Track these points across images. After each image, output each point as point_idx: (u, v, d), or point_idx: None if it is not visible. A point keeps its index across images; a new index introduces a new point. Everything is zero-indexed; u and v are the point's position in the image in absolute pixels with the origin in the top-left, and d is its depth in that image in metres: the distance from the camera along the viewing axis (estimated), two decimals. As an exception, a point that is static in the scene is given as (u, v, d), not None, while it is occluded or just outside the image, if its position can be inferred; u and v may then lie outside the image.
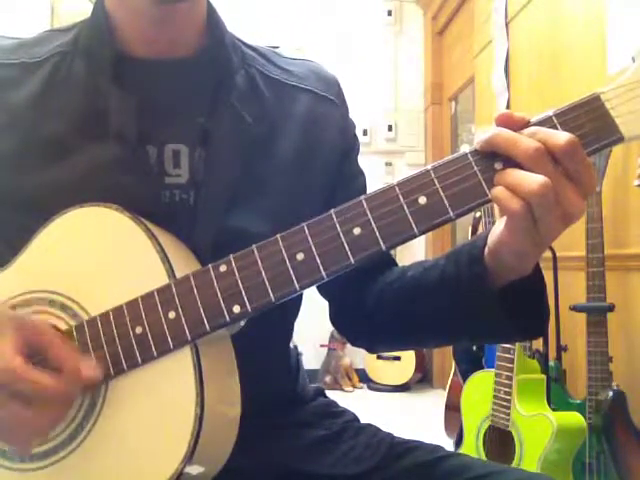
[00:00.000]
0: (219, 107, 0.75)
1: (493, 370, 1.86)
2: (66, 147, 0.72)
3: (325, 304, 0.87)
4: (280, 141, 0.77)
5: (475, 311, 0.66)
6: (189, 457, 0.57)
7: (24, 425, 0.59)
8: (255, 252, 0.59)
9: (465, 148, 0.58)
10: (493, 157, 0.56)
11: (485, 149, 0.56)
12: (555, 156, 0.54)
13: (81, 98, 0.73)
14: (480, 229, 2.40)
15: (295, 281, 0.58)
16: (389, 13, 4.65)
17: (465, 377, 2.07)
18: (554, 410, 1.78)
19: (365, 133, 4.50)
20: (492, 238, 0.62)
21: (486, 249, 0.64)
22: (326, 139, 0.81)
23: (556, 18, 2.50)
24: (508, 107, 2.93)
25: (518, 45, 2.88)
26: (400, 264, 0.83)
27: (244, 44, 0.82)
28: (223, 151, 0.74)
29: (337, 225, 0.57)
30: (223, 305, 0.60)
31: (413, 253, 3.77)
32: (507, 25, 2.97)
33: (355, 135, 0.88)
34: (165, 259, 0.62)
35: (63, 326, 0.65)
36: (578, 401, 1.90)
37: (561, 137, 0.54)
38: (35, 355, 0.60)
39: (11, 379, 0.57)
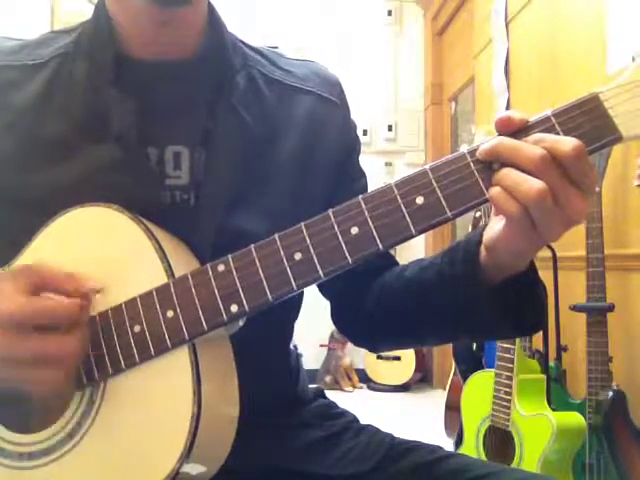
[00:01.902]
0: (220, 108, 0.75)
1: (493, 370, 1.85)
2: (67, 148, 0.72)
3: (325, 304, 0.87)
4: (281, 142, 0.78)
5: (472, 309, 0.66)
6: (186, 456, 0.57)
7: (52, 355, 0.59)
8: (253, 252, 0.60)
9: (464, 148, 0.57)
10: None
11: (487, 159, 0.56)
12: (560, 162, 0.54)
13: (82, 100, 0.73)
14: (480, 229, 2.39)
15: (292, 281, 0.58)
16: (389, 13, 4.66)
17: (465, 377, 2.07)
18: (554, 410, 1.78)
19: (365, 133, 4.50)
20: (488, 236, 0.62)
21: (482, 247, 0.64)
22: (327, 140, 0.81)
23: (556, 18, 2.50)
24: (508, 107, 2.93)
25: (518, 45, 2.88)
26: (400, 263, 0.84)
27: (245, 45, 0.82)
28: (224, 152, 0.74)
29: (335, 225, 0.58)
30: (221, 304, 0.60)
31: (413, 253, 3.76)
32: (507, 25, 2.97)
33: (356, 136, 0.88)
34: (164, 259, 0.63)
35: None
36: (578, 401, 1.90)
37: (567, 143, 0.53)
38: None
39: (22, 316, 0.58)
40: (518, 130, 0.56)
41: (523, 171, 0.54)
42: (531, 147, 0.54)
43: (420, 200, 0.56)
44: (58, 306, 0.60)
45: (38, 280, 0.61)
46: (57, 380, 0.60)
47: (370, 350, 0.90)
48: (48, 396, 0.62)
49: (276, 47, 0.91)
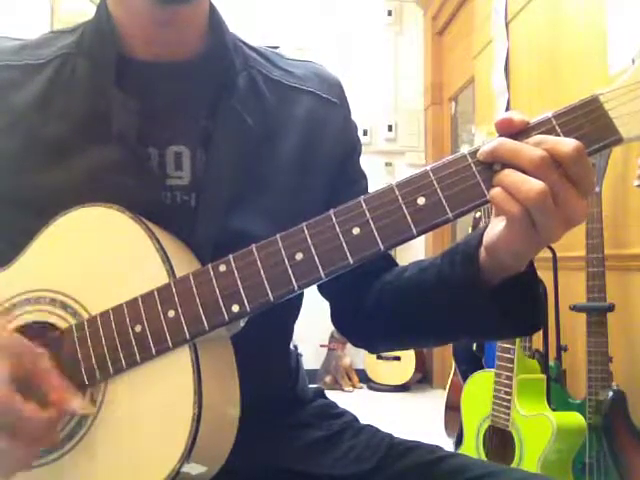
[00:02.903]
0: (221, 109, 0.75)
1: (493, 370, 1.86)
2: (68, 148, 0.72)
3: (325, 304, 0.87)
4: (281, 143, 0.78)
5: (472, 310, 0.66)
6: (187, 456, 0.57)
7: (9, 457, 0.58)
8: (254, 252, 0.60)
9: (465, 148, 0.58)
10: None
11: (489, 160, 0.56)
12: (561, 163, 0.54)
13: (84, 100, 0.73)
14: (480, 229, 2.39)
15: (294, 281, 0.58)
16: (389, 13, 4.66)
17: (465, 377, 2.07)
18: (554, 410, 1.78)
19: (365, 133, 4.50)
20: (489, 237, 0.62)
21: (481, 248, 0.64)
22: (328, 141, 0.81)
23: (556, 18, 2.50)
24: (508, 107, 2.94)
25: (518, 45, 2.89)
26: (400, 264, 0.84)
27: (246, 45, 0.82)
28: (224, 153, 0.74)
29: (336, 225, 0.58)
30: (222, 304, 0.60)
31: (413, 253, 3.76)
32: (507, 25, 2.97)
33: (357, 137, 0.88)
34: (165, 259, 0.63)
35: (63, 324, 0.65)
36: (578, 401, 1.90)
37: (567, 144, 0.54)
38: (23, 382, 0.58)
39: (2, 409, 0.56)
40: (519, 132, 0.56)
41: (524, 172, 0.54)
42: (532, 148, 0.54)
43: (421, 201, 0.56)
44: (31, 420, 0.57)
45: (31, 369, 0.59)
46: (12, 472, 0.59)
47: (369, 351, 0.90)
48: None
49: (277, 47, 0.91)
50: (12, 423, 0.56)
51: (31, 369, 0.59)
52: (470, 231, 2.48)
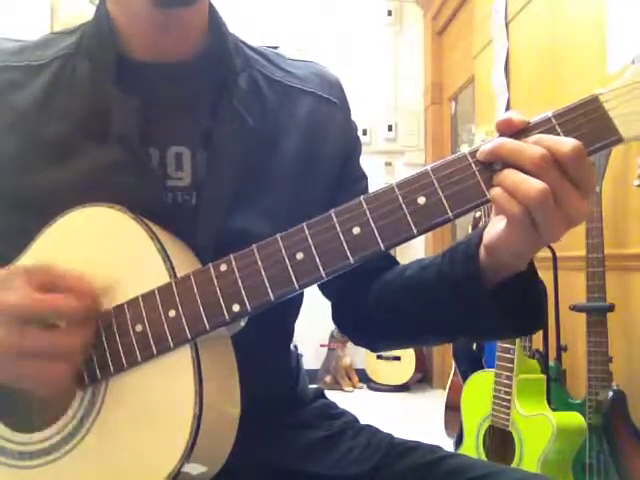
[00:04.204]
0: (221, 109, 0.75)
1: (493, 370, 1.86)
2: (69, 149, 0.72)
3: (325, 304, 0.87)
4: (282, 143, 0.78)
5: (472, 309, 0.66)
6: (187, 456, 0.57)
7: (55, 350, 0.59)
8: (255, 251, 0.60)
9: (465, 148, 0.58)
10: None
11: (489, 160, 0.56)
12: (560, 162, 0.54)
13: (84, 100, 0.73)
14: (480, 229, 2.39)
15: (294, 280, 0.58)
16: (389, 13, 4.66)
17: (465, 377, 2.07)
18: (554, 410, 1.78)
19: (365, 133, 4.50)
20: (489, 236, 0.62)
21: (481, 247, 0.64)
22: (328, 141, 0.81)
23: (556, 18, 2.50)
24: (508, 107, 2.94)
25: (518, 45, 2.89)
26: (401, 263, 0.84)
27: (246, 46, 0.82)
28: (225, 153, 0.74)
29: (337, 225, 0.58)
30: (223, 304, 0.60)
31: (413, 253, 3.76)
32: (507, 25, 2.97)
33: (357, 137, 0.88)
34: (166, 258, 0.63)
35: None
36: (578, 401, 1.90)
37: (567, 143, 0.54)
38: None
39: (30, 309, 0.59)
40: (519, 131, 0.56)
41: (524, 172, 0.54)
42: (532, 147, 0.54)
43: (422, 200, 0.56)
44: (65, 305, 0.60)
45: (49, 278, 0.61)
46: (58, 377, 0.60)
47: (370, 349, 0.90)
48: (48, 393, 0.62)
49: (276, 47, 0.91)
50: (50, 316, 0.59)
51: (46, 275, 0.61)
52: (470, 230, 2.48)
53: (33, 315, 0.59)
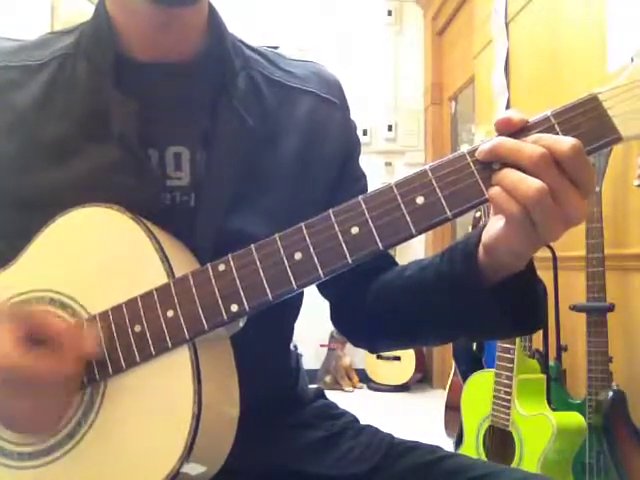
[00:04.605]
0: (221, 110, 0.75)
1: (493, 370, 1.85)
2: (68, 149, 0.72)
3: (325, 304, 0.87)
4: (282, 143, 0.78)
5: (471, 308, 0.66)
6: (186, 456, 0.57)
7: (40, 412, 0.60)
8: (253, 251, 0.60)
9: (465, 148, 0.57)
10: None
11: (488, 159, 0.56)
12: (559, 161, 0.54)
13: (83, 100, 0.73)
14: (480, 229, 2.39)
15: (293, 280, 0.58)
16: (389, 13, 4.66)
17: (465, 377, 2.07)
18: (554, 410, 1.78)
19: (365, 133, 4.50)
20: (488, 236, 0.62)
21: (480, 246, 0.64)
22: (327, 141, 0.81)
23: (556, 18, 2.50)
24: (508, 107, 2.93)
25: (518, 45, 2.89)
26: (400, 264, 0.84)
27: (246, 46, 0.82)
28: (224, 153, 0.74)
29: (335, 225, 0.58)
30: (221, 304, 0.60)
31: (413, 253, 3.77)
32: (507, 25, 2.97)
33: (357, 137, 0.88)
34: (164, 258, 0.63)
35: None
36: (578, 401, 1.90)
37: (566, 142, 0.53)
38: (35, 340, 0.61)
39: (15, 370, 0.59)
40: (518, 130, 0.56)
41: (523, 171, 0.54)
42: (531, 147, 0.54)
43: (420, 200, 0.56)
44: (51, 370, 0.60)
45: (35, 328, 0.61)
46: (47, 426, 0.63)
47: (369, 350, 0.90)
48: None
49: (276, 47, 0.91)
50: (32, 380, 0.59)
51: (36, 325, 0.61)
52: (470, 230, 2.48)
53: (17, 376, 0.59)
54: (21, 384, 0.59)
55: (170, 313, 0.61)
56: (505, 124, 0.56)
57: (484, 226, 0.63)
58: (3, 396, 0.60)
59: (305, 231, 0.58)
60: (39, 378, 0.59)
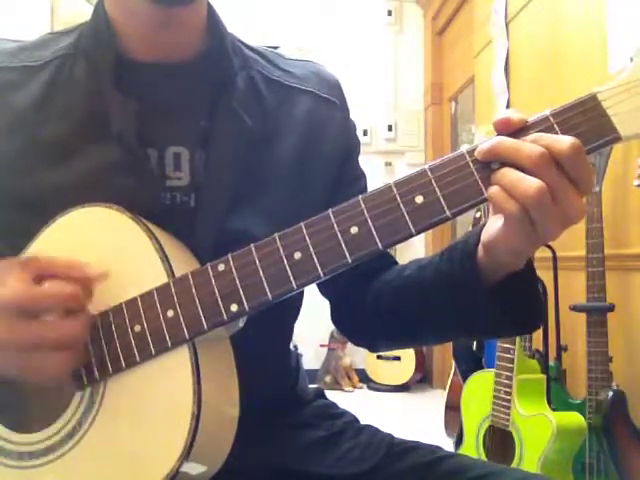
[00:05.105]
0: (220, 109, 0.75)
1: (493, 370, 1.86)
2: (68, 149, 0.72)
3: (325, 304, 0.87)
4: (281, 143, 0.78)
5: (471, 307, 0.66)
6: (186, 455, 0.57)
7: (53, 339, 0.59)
8: (253, 251, 0.60)
9: (464, 148, 0.57)
10: None
11: (487, 159, 0.56)
12: (559, 160, 0.54)
13: (83, 101, 0.73)
14: (480, 229, 2.39)
15: (292, 280, 0.58)
16: (389, 13, 4.66)
17: (465, 377, 2.07)
18: (554, 410, 1.78)
19: (365, 133, 4.50)
20: (487, 235, 0.62)
21: (480, 246, 0.64)
22: (327, 141, 0.81)
23: (556, 18, 2.50)
24: (508, 107, 2.93)
25: (518, 45, 2.89)
26: (400, 263, 0.84)
27: (245, 45, 0.82)
28: (223, 153, 0.74)
29: (334, 224, 0.58)
30: (221, 304, 0.60)
31: (413, 252, 3.77)
32: (507, 25, 2.97)
33: (356, 137, 0.88)
34: (164, 258, 0.63)
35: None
36: (578, 401, 1.90)
37: (565, 142, 0.53)
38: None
39: (23, 301, 0.59)
40: (517, 130, 0.56)
41: (522, 170, 0.54)
42: (530, 146, 0.54)
43: (419, 199, 0.56)
44: (59, 293, 0.60)
45: (40, 269, 0.61)
46: (64, 365, 0.60)
47: (369, 350, 0.90)
48: (54, 382, 0.62)
49: (276, 47, 0.91)
50: (44, 306, 0.59)
51: (42, 267, 0.61)
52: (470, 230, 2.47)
53: (25, 308, 0.59)
54: (31, 315, 0.59)
55: (170, 313, 0.61)
56: (504, 124, 0.56)
57: (483, 225, 0.63)
58: (8, 329, 0.59)
59: (305, 231, 0.58)
60: (52, 303, 0.59)
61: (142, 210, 0.66)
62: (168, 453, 0.58)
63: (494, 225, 0.60)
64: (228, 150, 0.74)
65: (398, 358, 4.17)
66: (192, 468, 0.59)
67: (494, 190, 0.55)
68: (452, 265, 0.67)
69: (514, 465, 1.73)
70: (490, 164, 0.56)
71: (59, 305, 0.60)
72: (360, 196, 0.58)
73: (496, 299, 0.64)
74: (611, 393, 1.76)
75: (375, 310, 0.79)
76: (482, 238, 0.63)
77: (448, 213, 0.56)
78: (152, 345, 0.61)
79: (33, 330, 0.59)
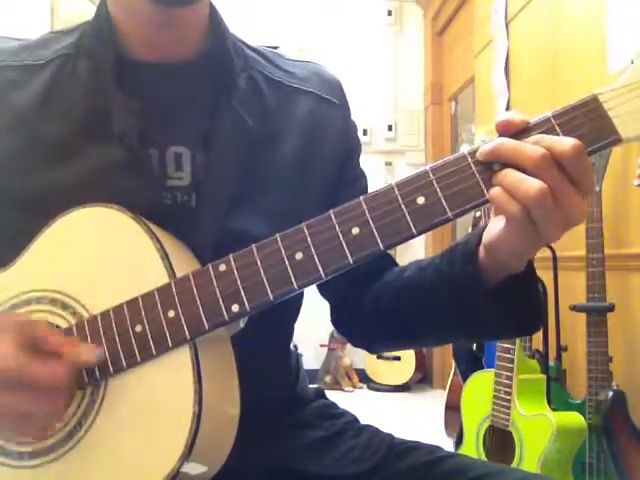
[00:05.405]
0: (221, 110, 0.75)
1: (493, 370, 1.86)
2: (69, 149, 0.72)
3: (325, 304, 0.87)
4: (282, 143, 0.78)
5: (471, 309, 0.66)
6: (186, 455, 0.57)
7: (35, 415, 0.60)
8: (254, 251, 0.60)
9: (465, 148, 0.58)
10: None
11: (488, 160, 0.56)
12: (560, 162, 0.54)
13: (84, 100, 0.73)
14: (480, 229, 2.39)
15: (294, 280, 0.58)
16: (389, 13, 4.66)
17: (465, 377, 2.07)
18: (554, 410, 1.78)
19: (365, 133, 4.50)
20: (488, 236, 0.62)
21: (480, 247, 0.64)
22: (328, 141, 0.81)
23: (556, 18, 2.50)
24: (508, 107, 2.94)
25: (518, 45, 2.89)
26: (400, 264, 0.84)
27: (246, 46, 0.82)
28: (225, 153, 0.74)
29: (336, 225, 0.58)
30: (222, 304, 0.60)
31: (413, 253, 3.77)
32: (507, 25, 2.97)
33: (357, 137, 0.88)
34: (165, 258, 0.63)
35: (64, 324, 0.65)
36: (578, 401, 1.90)
37: (567, 143, 0.54)
38: (36, 349, 0.60)
39: (12, 373, 0.58)
40: (519, 131, 0.56)
41: (524, 172, 0.54)
42: (532, 147, 0.54)
43: (421, 200, 0.56)
44: (47, 375, 0.59)
45: (35, 339, 0.61)
46: (42, 432, 0.63)
47: (369, 351, 0.90)
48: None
49: (277, 47, 0.91)
50: (32, 382, 0.59)
51: (37, 335, 0.61)
52: (471, 231, 2.47)
53: (14, 380, 0.59)
54: (17, 386, 0.59)
55: (171, 313, 0.61)
56: (506, 125, 0.56)
57: (484, 227, 0.64)
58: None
59: (306, 231, 0.58)
60: (35, 382, 0.59)
61: (143, 210, 0.66)
62: (169, 453, 0.58)
63: (495, 226, 0.60)
64: (229, 150, 0.74)
65: (398, 358, 4.17)
66: (193, 468, 0.59)
67: (496, 191, 0.55)
68: (453, 266, 0.67)
69: (514, 465, 1.73)
70: (492, 165, 0.56)
71: (45, 385, 0.60)
72: (362, 197, 0.58)
73: (497, 300, 0.64)
74: (611, 393, 1.76)
75: (375, 311, 0.79)
76: (483, 239, 0.63)
77: (450, 214, 0.56)
78: (153, 345, 0.61)
79: (17, 401, 0.59)
